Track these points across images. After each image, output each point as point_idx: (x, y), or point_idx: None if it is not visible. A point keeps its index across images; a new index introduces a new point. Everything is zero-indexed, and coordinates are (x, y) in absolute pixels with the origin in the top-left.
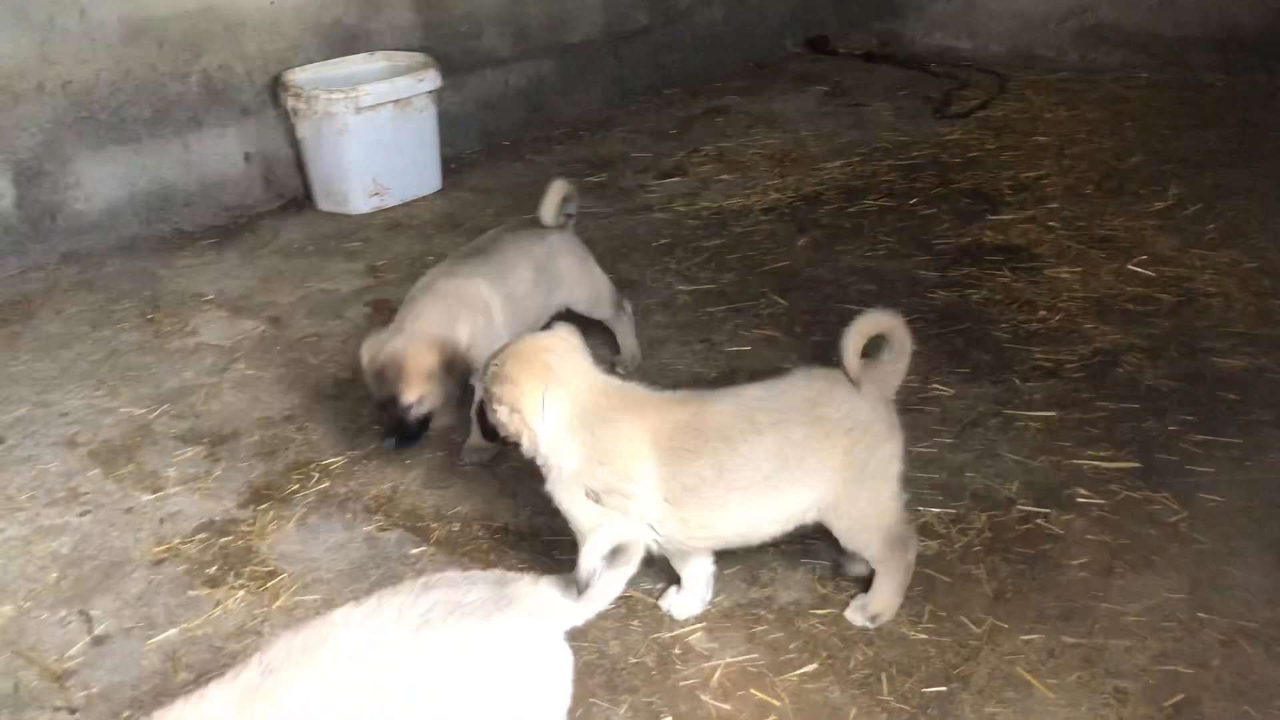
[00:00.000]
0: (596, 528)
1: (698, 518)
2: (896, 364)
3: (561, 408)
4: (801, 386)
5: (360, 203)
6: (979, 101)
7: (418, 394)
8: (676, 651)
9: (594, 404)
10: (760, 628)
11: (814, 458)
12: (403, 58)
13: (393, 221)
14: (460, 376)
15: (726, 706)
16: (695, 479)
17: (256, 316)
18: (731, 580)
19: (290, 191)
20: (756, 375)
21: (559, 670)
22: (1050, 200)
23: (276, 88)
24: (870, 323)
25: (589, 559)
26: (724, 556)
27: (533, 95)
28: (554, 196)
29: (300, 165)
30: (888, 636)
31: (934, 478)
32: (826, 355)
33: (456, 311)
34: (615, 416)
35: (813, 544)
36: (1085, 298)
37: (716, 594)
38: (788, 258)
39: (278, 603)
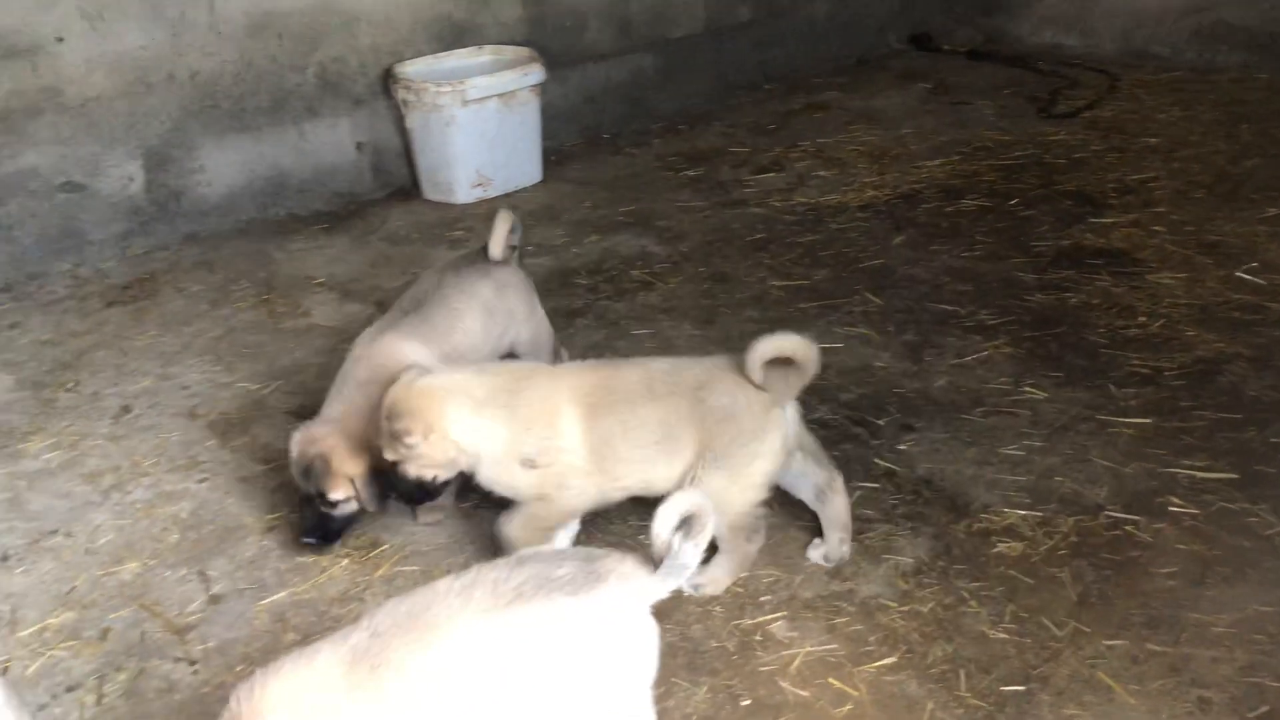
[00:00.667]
0: (543, 495)
1: (613, 469)
2: (795, 380)
3: (463, 402)
4: (697, 369)
5: (464, 193)
6: (1087, 101)
7: (345, 493)
8: (757, 638)
9: (492, 385)
10: (841, 619)
11: (687, 434)
12: (508, 52)
13: (494, 211)
14: (384, 484)
15: (804, 693)
16: (608, 432)
17: (364, 300)
18: (814, 573)
19: (398, 180)
20: (848, 373)
21: (644, 643)
22: (1157, 204)
23: (388, 80)
24: (779, 344)
25: (661, 528)
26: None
27: (633, 89)
28: (501, 229)
29: (408, 155)
30: (967, 634)
31: (1021, 480)
32: (918, 354)
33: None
34: (524, 386)
35: (897, 540)
36: (1189, 304)
37: (799, 584)
38: (883, 256)
39: (379, 572)
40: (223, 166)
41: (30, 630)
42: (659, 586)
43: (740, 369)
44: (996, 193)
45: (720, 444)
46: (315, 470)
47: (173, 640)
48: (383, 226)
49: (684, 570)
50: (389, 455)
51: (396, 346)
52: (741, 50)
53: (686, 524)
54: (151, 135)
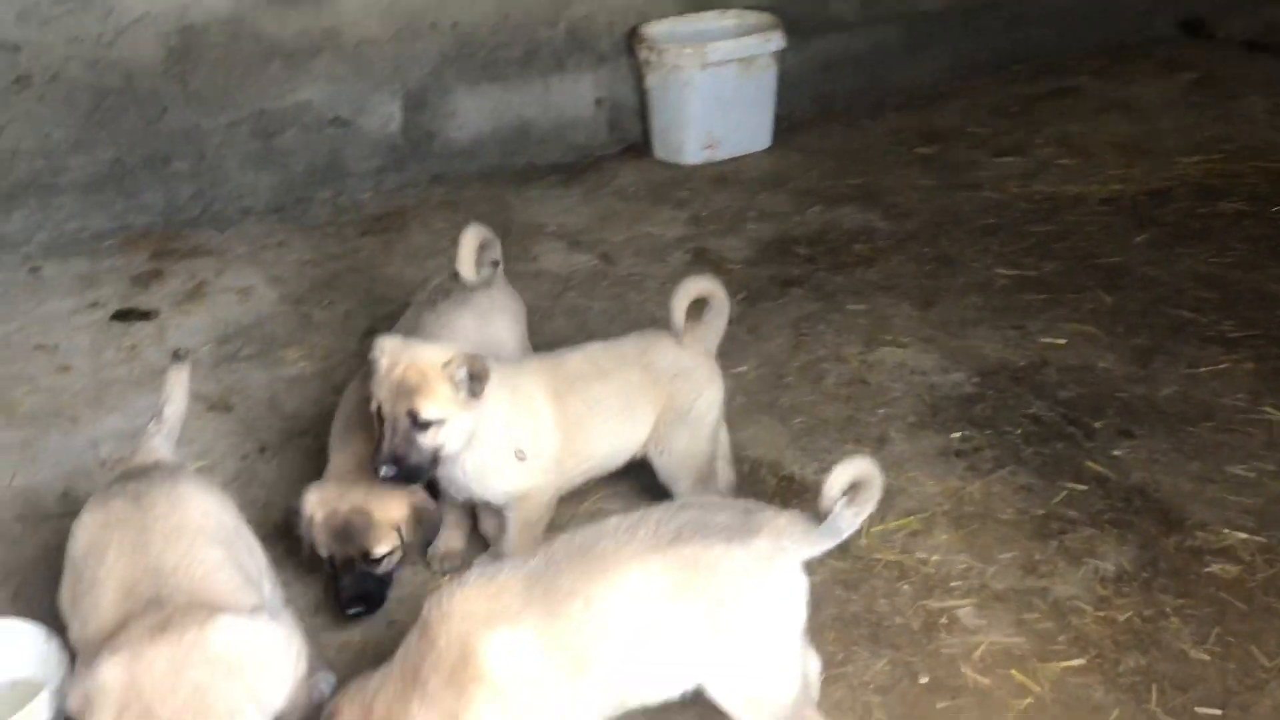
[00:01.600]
0: (525, 493)
1: (582, 449)
2: (715, 322)
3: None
4: (634, 340)
5: (693, 154)
6: None
7: (391, 544)
8: (943, 621)
9: (498, 371)
10: (1031, 615)
11: (645, 399)
12: (752, 17)
13: (720, 175)
14: (430, 523)
15: (985, 681)
16: (576, 414)
17: (590, 251)
18: (1009, 566)
19: (631, 138)
20: (1068, 371)
21: (793, 597)
22: None
23: (631, 39)
24: (694, 286)
25: (833, 487)
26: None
27: (873, 61)
28: (468, 247)
29: (643, 114)
30: (1166, 649)
31: (1246, 502)
32: (1148, 360)
33: None
34: (514, 372)
35: (1100, 546)
36: None
37: (992, 575)
38: (1121, 254)
39: (582, 506)
40: (472, 113)
41: (280, 517)
42: (811, 545)
43: (658, 333)
44: (1259, 197)
45: (679, 400)
46: (355, 528)
47: None
48: (613, 182)
49: (838, 534)
50: (423, 405)
51: None
52: (991, 28)
53: (853, 491)
54: (412, 79)
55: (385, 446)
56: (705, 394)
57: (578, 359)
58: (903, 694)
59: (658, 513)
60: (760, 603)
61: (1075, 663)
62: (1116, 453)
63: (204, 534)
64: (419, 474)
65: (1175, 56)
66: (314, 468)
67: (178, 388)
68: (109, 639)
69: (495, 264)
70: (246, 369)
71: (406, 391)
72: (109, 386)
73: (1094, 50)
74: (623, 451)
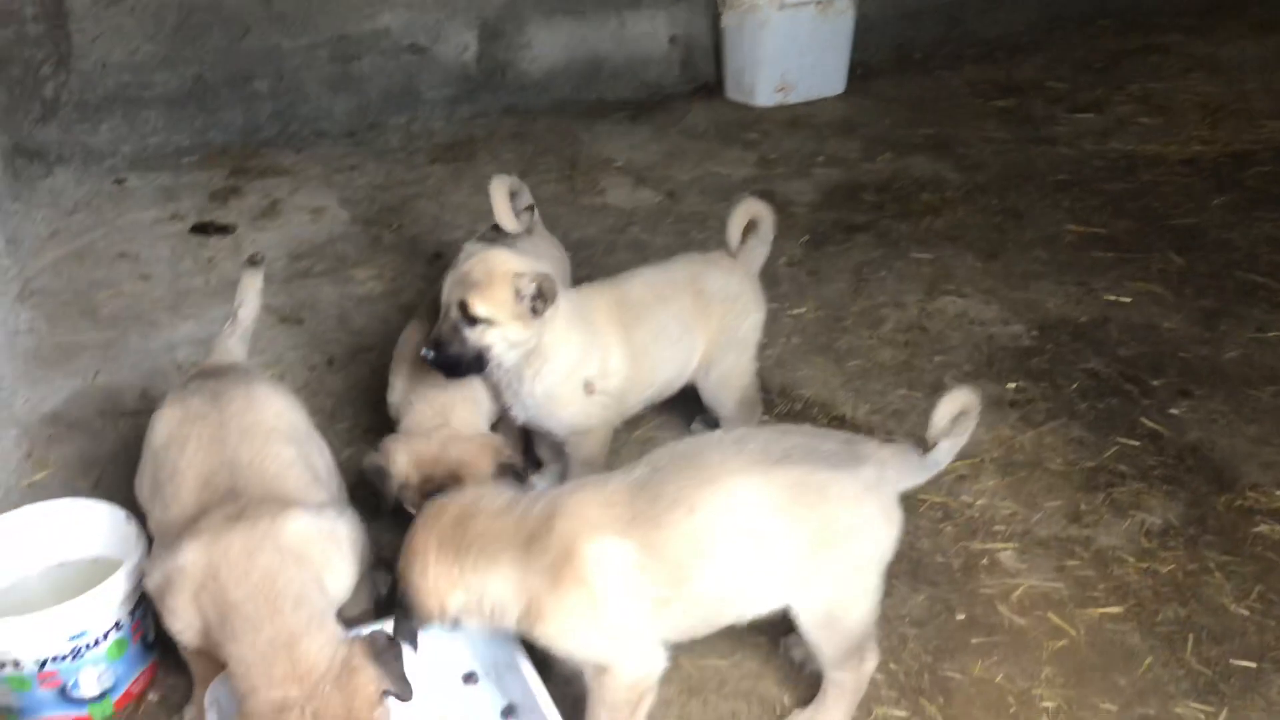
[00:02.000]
0: (588, 427)
1: (646, 376)
2: (761, 247)
3: (559, 303)
4: (683, 264)
5: (765, 96)
6: None
7: None
8: (984, 562)
9: (574, 300)
10: (1072, 562)
11: (698, 324)
12: None
13: (792, 118)
14: (515, 477)
15: (1021, 621)
16: (642, 342)
17: (656, 188)
18: (1054, 513)
19: (703, 77)
20: (1130, 329)
21: (889, 527)
22: None
23: None
24: (749, 208)
25: (941, 418)
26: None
27: (955, 10)
28: (501, 199)
29: (717, 54)
30: (1206, 603)
31: None
32: (1214, 322)
33: (476, 394)
34: (585, 303)
35: (1148, 500)
36: None
37: (1036, 522)
38: (1196, 215)
39: (635, 434)
40: (547, 46)
41: (345, 425)
42: (912, 476)
43: (707, 258)
44: None
45: (729, 323)
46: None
47: None
48: (683, 120)
49: (936, 466)
50: (476, 300)
51: None
52: None
53: (953, 423)
54: (489, 9)
55: (433, 331)
56: (752, 316)
57: (638, 286)
58: (939, 628)
59: (766, 433)
60: (860, 530)
61: (1113, 610)
62: (1173, 411)
63: (277, 433)
64: (457, 366)
65: (1269, 17)
66: (378, 382)
67: (251, 291)
68: (188, 525)
69: (530, 209)
70: (317, 285)
71: (466, 284)
72: (186, 295)
73: (1185, 8)
74: (679, 379)
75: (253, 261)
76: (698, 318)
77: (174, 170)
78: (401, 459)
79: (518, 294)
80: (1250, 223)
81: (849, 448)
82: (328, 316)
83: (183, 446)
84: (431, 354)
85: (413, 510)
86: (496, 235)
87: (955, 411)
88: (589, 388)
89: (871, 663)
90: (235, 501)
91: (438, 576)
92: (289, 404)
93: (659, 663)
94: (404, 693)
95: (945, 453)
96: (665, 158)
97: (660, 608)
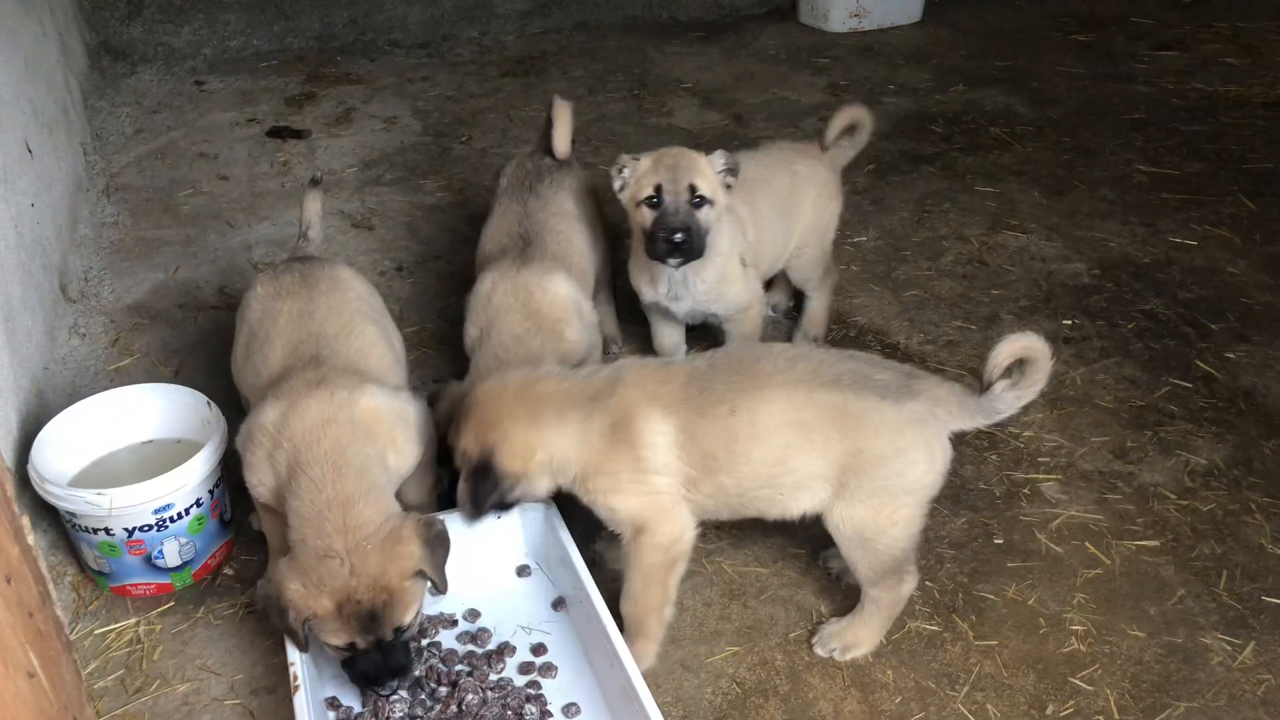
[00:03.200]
0: (749, 303)
1: (766, 251)
2: (850, 149)
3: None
4: (778, 150)
5: (839, 21)
6: None
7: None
8: (1025, 492)
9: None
10: (1113, 495)
11: (795, 203)
12: None
13: (864, 44)
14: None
15: (1058, 549)
16: (762, 216)
17: (723, 110)
18: (1099, 448)
19: (777, 0)
20: (1193, 272)
21: (932, 465)
22: None
23: None
24: (851, 112)
25: (999, 357)
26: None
27: None
28: (566, 121)
29: None
30: (1243, 542)
31: None
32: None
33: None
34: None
35: (1195, 441)
36: None
37: (1080, 455)
38: (1273, 160)
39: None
40: None
41: (412, 329)
42: (965, 419)
43: (797, 146)
44: None
45: (819, 205)
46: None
47: None
48: (754, 43)
49: (995, 414)
50: (702, 182)
51: (547, 281)
52: None
53: (1019, 369)
54: None
55: (669, 219)
56: (835, 203)
57: (751, 166)
58: (976, 550)
59: (824, 354)
60: (894, 461)
61: (1150, 543)
62: (1229, 355)
63: (360, 313)
64: (699, 244)
65: None
66: (444, 289)
67: (314, 212)
68: (272, 386)
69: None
70: (388, 193)
71: (687, 168)
72: (262, 197)
73: None
74: (781, 258)
75: (314, 182)
76: (794, 197)
77: (251, 74)
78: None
79: (715, 169)
80: None
81: (904, 380)
82: (397, 224)
83: (275, 319)
84: (683, 235)
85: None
86: (540, 165)
87: (1014, 353)
88: (744, 259)
89: (910, 584)
90: (317, 368)
91: (522, 438)
92: (369, 290)
93: (689, 531)
94: (440, 583)
95: (1008, 402)
96: (734, 80)
97: (690, 486)
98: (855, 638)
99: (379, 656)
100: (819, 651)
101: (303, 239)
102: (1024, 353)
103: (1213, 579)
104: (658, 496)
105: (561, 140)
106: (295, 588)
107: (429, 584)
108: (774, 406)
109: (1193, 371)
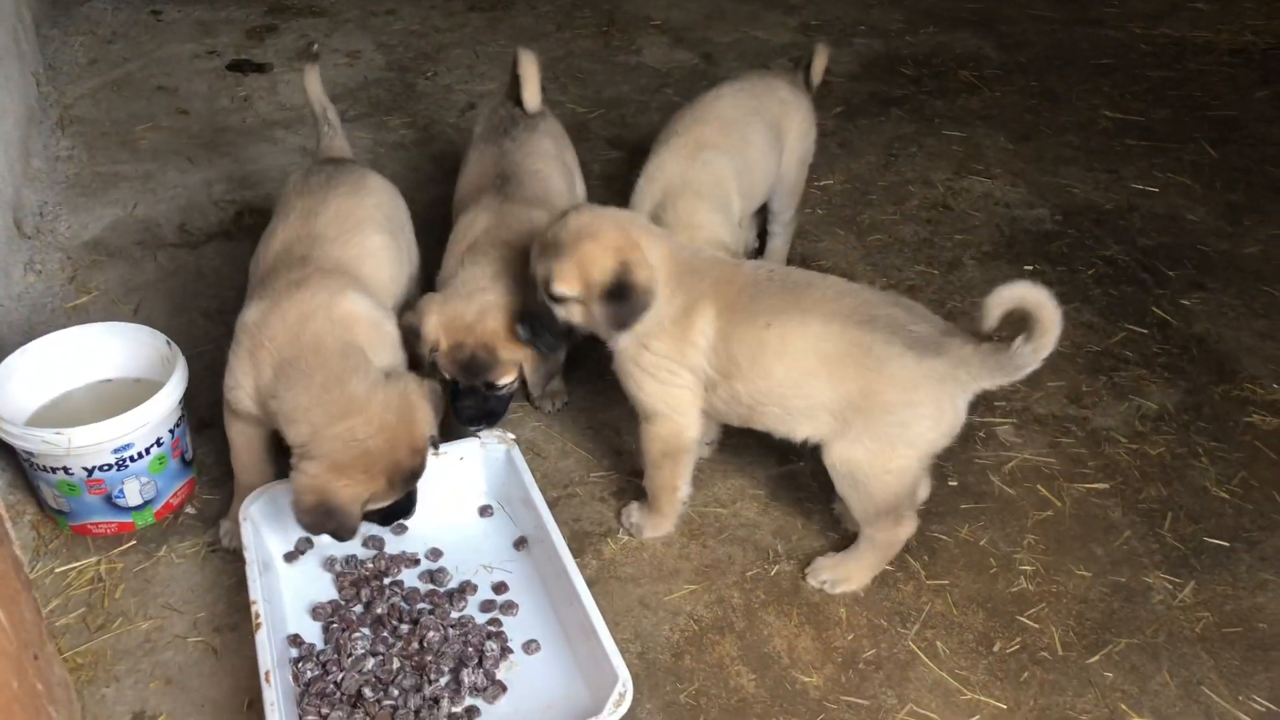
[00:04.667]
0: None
1: (759, 179)
2: (816, 77)
3: None
4: (759, 76)
5: None
6: None
7: (512, 379)
8: (981, 434)
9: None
10: (1067, 439)
11: (783, 130)
12: None
13: None
14: (551, 366)
15: (1010, 491)
16: (749, 153)
17: (693, 50)
18: (1054, 393)
19: None
20: (1154, 219)
21: (941, 422)
22: None
23: None
24: (826, 53)
25: (989, 310)
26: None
27: None
28: (534, 74)
29: None
30: (1189, 485)
31: None
32: (1238, 217)
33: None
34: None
35: (1147, 386)
36: None
37: (1036, 400)
38: (1238, 108)
39: None
40: None
41: None
42: (988, 378)
43: (776, 73)
44: None
45: (800, 129)
46: (480, 363)
47: None
48: None
49: (1018, 370)
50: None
51: (526, 214)
52: None
53: (1030, 327)
54: None
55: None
56: (813, 129)
57: (727, 106)
58: (931, 492)
59: (873, 295)
60: (901, 411)
61: (1099, 485)
62: (1185, 302)
63: (371, 221)
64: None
65: None
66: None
67: (318, 87)
68: (259, 285)
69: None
70: (351, 130)
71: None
72: (223, 132)
73: None
74: (768, 187)
75: (312, 56)
76: (782, 125)
77: (210, 4)
78: (431, 320)
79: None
80: None
81: (938, 337)
82: (360, 160)
83: (286, 215)
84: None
85: (444, 375)
86: (514, 113)
87: (1008, 304)
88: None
89: (908, 528)
90: (303, 269)
91: (658, 253)
92: (394, 202)
93: (690, 431)
94: (437, 443)
95: (1026, 358)
96: (705, 18)
97: (709, 388)
98: (846, 572)
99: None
100: (810, 581)
101: (326, 126)
102: (1017, 302)
103: (1158, 521)
104: (680, 393)
105: (531, 95)
106: (342, 483)
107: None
108: (807, 331)
109: (1148, 318)
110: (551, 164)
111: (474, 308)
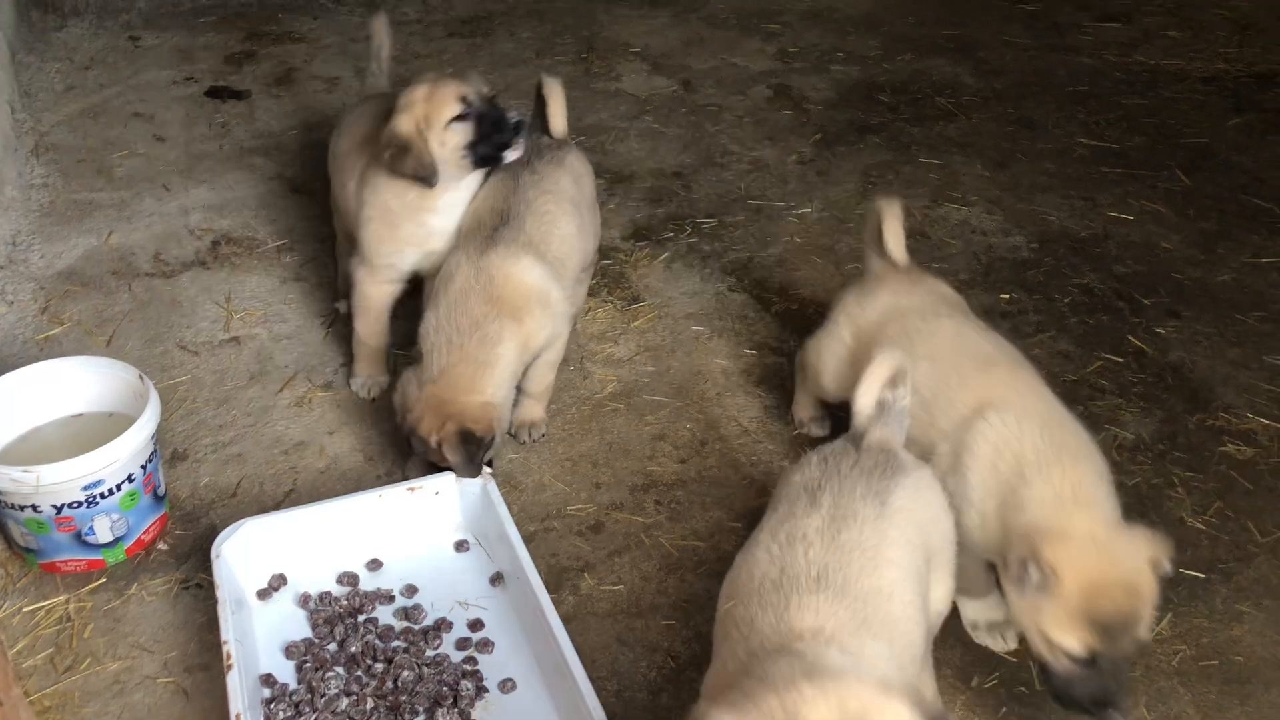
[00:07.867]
0: None
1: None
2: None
3: None
4: None
5: None
6: None
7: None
8: None
9: None
10: None
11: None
12: None
13: (815, 10)
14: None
15: None
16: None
17: (672, 76)
18: None
19: None
20: (1129, 247)
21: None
22: None
23: None
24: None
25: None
26: None
27: None
28: (559, 101)
29: None
30: (1165, 515)
31: (1277, 390)
32: (1212, 245)
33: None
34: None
35: (1123, 416)
36: None
37: None
38: (1210, 135)
39: (635, 324)
40: None
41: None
42: None
43: None
44: None
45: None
46: (418, 445)
47: None
48: (704, 7)
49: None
50: None
51: (511, 265)
52: None
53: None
54: None
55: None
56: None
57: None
58: None
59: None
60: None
61: None
62: (1160, 330)
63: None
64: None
65: None
66: None
67: (385, 33)
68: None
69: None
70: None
71: None
72: (200, 160)
73: None
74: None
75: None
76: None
77: (189, 30)
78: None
79: None
80: (1262, 146)
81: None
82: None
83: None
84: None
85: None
86: (545, 143)
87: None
88: None
89: None
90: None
91: None
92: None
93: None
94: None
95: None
96: (683, 45)
97: None
98: None
99: None
100: None
101: (376, 62)
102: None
103: None
104: None
105: (558, 120)
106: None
107: None
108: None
109: (1124, 347)
110: (564, 206)
111: (411, 394)
